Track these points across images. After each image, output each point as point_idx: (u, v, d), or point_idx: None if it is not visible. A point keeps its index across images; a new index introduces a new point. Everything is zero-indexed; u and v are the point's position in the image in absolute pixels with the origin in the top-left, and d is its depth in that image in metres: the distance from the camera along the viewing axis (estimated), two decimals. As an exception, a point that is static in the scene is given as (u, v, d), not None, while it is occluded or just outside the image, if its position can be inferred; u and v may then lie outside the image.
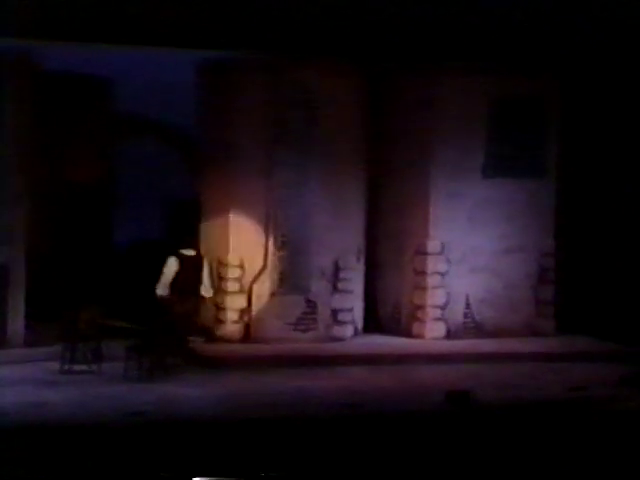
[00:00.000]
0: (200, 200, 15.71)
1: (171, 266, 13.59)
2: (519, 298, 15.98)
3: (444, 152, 15.69)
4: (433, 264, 15.70)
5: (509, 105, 15.75)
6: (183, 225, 15.74)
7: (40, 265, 15.20)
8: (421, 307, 15.74)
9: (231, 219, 15.24)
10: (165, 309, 13.54)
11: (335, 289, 15.40)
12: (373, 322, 16.12)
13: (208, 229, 15.56)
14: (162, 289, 13.59)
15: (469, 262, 15.78)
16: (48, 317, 14.69)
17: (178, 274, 13.59)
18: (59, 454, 9.09)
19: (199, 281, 13.84)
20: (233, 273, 15.16)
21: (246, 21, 14.11)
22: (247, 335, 15.12)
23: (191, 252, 13.86)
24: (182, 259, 13.67)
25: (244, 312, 15.18)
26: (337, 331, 15.38)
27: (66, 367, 13.23)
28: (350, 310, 15.57)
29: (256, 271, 15.18)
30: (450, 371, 13.70)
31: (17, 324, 14.34)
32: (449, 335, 15.71)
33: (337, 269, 15.42)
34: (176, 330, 13.53)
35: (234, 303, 15.16)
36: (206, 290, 13.99)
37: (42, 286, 15.04)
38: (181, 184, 17.13)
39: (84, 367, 13.25)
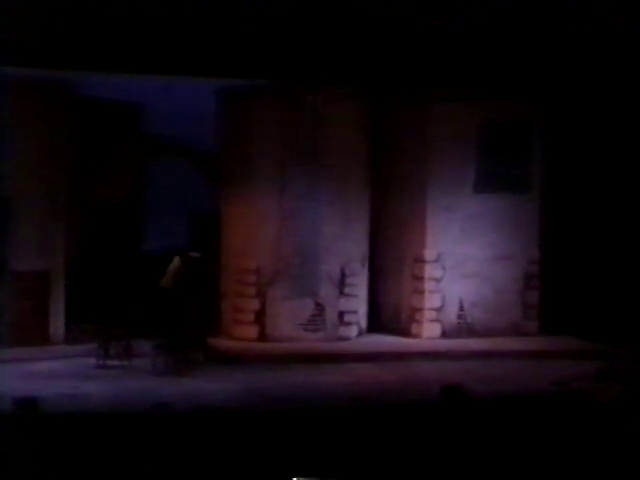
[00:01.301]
0: (221, 213, 15.81)
1: (174, 263, 13.77)
2: (507, 301, 16.09)
3: (439, 170, 15.80)
4: (430, 270, 15.81)
5: (497, 127, 15.85)
6: (205, 235, 15.85)
7: (78, 272, 15.31)
8: (419, 309, 15.85)
9: (248, 230, 15.33)
10: (171, 300, 13.65)
11: (341, 293, 15.50)
12: (376, 323, 16.22)
13: (228, 239, 15.66)
14: (164, 282, 13.73)
15: (462, 269, 15.89)
16: (85, 318, 14.80)
17: (181, 271, 13.72)
18: (93, 439, 9.17)
19: (201, 278, 13.94)
20: (250, 278, 15.22)
21: (260, 52, 14.25)
22: (262, 334, 15.18)
23: (196, 254, 14.00)
24: (186, 259, 13.83)
25: (259, 314, 15.22)
26: (343, 331, 15.49)
27: (101, 362, 13.35)
28: (355, 312, 15.67)
29: (270, 276, 15.23)
30: (444, 367, 13.80)
31: (58, 324, 14.52)
32: (444, 335, 15.82)
33: (343, 275, 15.52)
34: (193, 326, 13.60)
35: (250, 305, 15.22)
36: None
37: (80, 290, 15.16)
38: (204, 199, 17.22)
39: (116, 363, 13.37)
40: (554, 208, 16.64)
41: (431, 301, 15.83)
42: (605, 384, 12.33)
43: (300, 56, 14.52)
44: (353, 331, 15.66)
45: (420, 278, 15.87)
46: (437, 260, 15.85)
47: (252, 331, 15.23)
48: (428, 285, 15.82)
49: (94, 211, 16.54)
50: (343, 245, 15.53)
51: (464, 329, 15.93)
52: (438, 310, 15.85)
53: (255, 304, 15.26)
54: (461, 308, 15.96)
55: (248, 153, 15.46)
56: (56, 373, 12.74)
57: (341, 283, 15.51)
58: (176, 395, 11.44)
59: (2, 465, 8.36)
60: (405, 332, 15.92)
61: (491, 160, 15.91)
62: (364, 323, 16.01)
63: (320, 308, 15.35)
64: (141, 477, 8.49)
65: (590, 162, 16.54)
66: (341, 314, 15.49)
